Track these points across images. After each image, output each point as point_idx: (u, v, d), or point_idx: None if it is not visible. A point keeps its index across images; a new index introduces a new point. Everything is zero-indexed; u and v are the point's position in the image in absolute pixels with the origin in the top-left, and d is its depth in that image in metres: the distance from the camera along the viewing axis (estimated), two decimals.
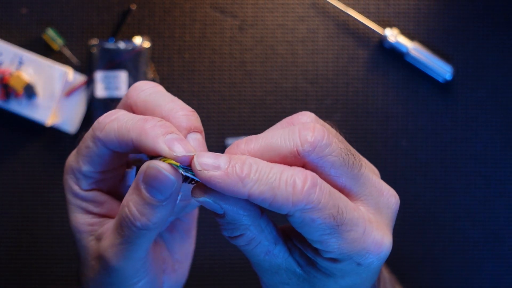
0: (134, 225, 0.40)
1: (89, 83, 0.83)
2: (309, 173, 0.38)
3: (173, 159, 0.38)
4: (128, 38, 0.85)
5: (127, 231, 0.40)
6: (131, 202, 0.39)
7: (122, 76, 0.83)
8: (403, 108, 0.86)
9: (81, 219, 0.44)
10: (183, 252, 0.48)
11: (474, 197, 0.86)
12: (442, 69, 0.84)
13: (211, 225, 0.85)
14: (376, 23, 0.85)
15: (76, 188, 0.44)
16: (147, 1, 0.85)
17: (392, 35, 0.84)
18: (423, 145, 0.86)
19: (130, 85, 0.83)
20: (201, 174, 0.37)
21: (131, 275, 0.43)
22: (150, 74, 0.84)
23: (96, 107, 0.83)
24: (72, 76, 0.83)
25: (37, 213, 0.85)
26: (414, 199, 0.86)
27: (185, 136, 0.40)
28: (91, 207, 0.44)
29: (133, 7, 0.85)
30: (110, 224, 0.43)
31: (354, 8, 0.85)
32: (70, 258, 0.85)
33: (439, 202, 0.86)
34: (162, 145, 0.38)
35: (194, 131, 0.41)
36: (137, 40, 0.84)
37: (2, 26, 0.85)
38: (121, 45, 0.83)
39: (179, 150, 0.38)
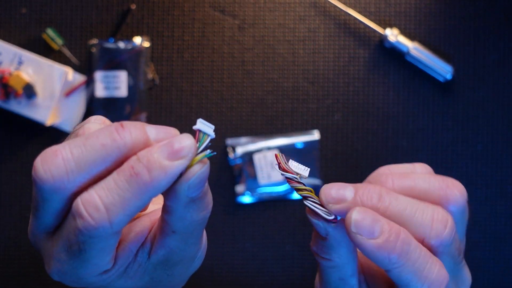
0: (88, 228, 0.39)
1: (89, 83, 0.83)
2: (445, 275, 0.41)
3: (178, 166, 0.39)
4: (128, 38, 0.84)
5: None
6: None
7: (122, 76, 0.83)
8: (403, 108, 0.86)
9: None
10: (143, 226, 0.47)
11: (475, 197, 0.86)
12: (442, 69, 0.84)
13: (211, 225, 0.85)
14: (376, 22, 0.85)
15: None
16: (147, 1, 0.85)
17: (393, 34, 0.84)
18: (423, 145, 0.86)
19: (129, 85, 0.83)
20: (355, 238, 0.39)
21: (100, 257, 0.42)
22: (150, 74, 0.84)
23: (96, 107, 0.82)
24: (71, 76, 0.82)
25: None
26: None
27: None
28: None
29: (133, 7, 0.85)
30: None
31: (354, 8, 0.85)
32: None
33: None
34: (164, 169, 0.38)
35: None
36: (137, 40, 0.83)
37: (1, 25, 0.84)
38: (121, 45, 0.83)
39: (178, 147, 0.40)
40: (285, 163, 0.42)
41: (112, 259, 0.41)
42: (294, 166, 0.41)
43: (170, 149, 0.39)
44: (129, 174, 0.37)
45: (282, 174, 0.42)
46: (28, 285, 0.84)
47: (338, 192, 0.41)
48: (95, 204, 0.36)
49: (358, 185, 0.43)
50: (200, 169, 0.38)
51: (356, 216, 0.39)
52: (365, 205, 0.40)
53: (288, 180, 0.42)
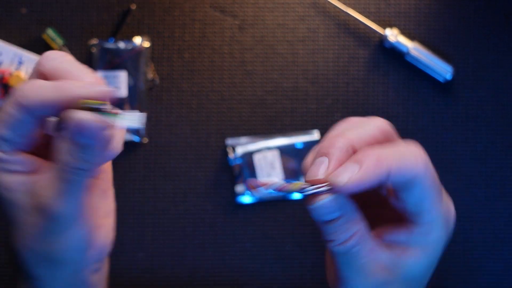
0: (72, 167, 0.43)
1: None
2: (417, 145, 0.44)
3: (93, 97, 0.43)
4: (128, 38, 0.84)
5: (66, 175, 0.43)
6: (66, 149, 0.43)
7: (122, 76, 0.83)
8: (403, 108, 0.86)
9: (10, 180, 0.45)
10: (105, 208, 0.50)
11: (475, 197, 0.86)
12: (442, 69, 0.84)
13: (211, 225, 0.85)
14: (376, 23, 0.85)
15: None
16: (147, 1, 0.85)
17: (393, 35, 0.84)
18: (423, 145, 0.86)
19: (130, 85, 0.83)
20: (350, 186, 0.40)
21: (69, 218, 0.45)
22: (150, 74, 0.84)
23: None
24: None
25: None
26: None
27: None
28: (18, 168, 0.45)
29: (133, 7, 0.85)
30: (44, 177, 0.45)
31: (354, 8, 0.85)
32: None
33: None
34: (85, 89, 0.43)
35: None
36: (137, 40, 0.83)
37: (1, 26, 0.84)
38: (121, 45, 0.83)
39: (99, 88, 0.43)
40: (261, 184, 0.43)
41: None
42: (265, 179, 0.41)
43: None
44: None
45: (269, 192, 0.43)
46: None
47: (316, 166, 0.43)
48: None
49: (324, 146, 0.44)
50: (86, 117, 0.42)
51: (336, 177, 0.41)
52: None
53: (278, 190, 0.43)
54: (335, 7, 0.85)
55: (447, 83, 0.86)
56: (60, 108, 0.43)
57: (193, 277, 0.86)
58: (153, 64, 0.85)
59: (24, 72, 0.80)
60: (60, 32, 0.84)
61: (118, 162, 0.85)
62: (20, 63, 0.80)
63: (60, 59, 0.46)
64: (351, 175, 0.40)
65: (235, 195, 0.85)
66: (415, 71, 0.86)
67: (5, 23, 0.84)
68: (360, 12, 0.85)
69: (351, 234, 0.43)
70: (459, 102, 0.86)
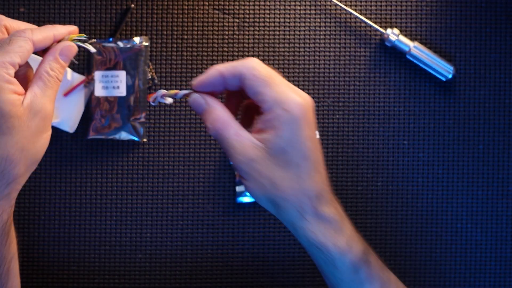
0: (55, 78, 0.64)
1: (88, 82, 0.83)
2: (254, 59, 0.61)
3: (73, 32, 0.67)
4: (127, 37, 0.84)
5: (49, 83, 0.64)
6: (52, 65, 0.65)
7: (121, 75, 0.82)
8: (404, 107, 0.85)
9: (15, 97, 0.61)
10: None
11: (476, 197, 0.85)
12: (443, 68, 0.83)
13: (211, 225, 0.85)
14: (377, 22, 0.85)
15: (8, 76, 0.61)
16: (146, 0, 0.85)
17: (394, 34, 0.83)
18: (424, 144, 0.86)
19: (129, 84, 0.83)
20: (195, 83, 0.62)
21: (51, 114, 0.64)
22: (149, 73, 0.84)
23: (95, 106, 0.82)
24: (70, 75, 0.82)
25: (35, 214, 0.84)
26: (415, 199, 0.85)
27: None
28: (18, 89, 0.62)
29: (133, 6, 0.84)
30: (31, 93, 0.63)
31: (355, 7, 0.85)
32: (69, 259, 0.85)
33: (441, 202, 0.85)
34: (63, 29, 0.67)
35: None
36: (136, 39, 0.83)
37: None
38: (120, 44, 0.83)
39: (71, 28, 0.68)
40: (150, 96, 0.64)
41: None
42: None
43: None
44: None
45: (158, 101, 0.64)
46: (27, 285, 0.84)
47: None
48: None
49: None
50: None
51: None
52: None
53: (161, 97, 0.64)
54: (336, 6, 0.85)
55: (448, 83, 0.85)
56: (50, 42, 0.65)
57: (193, 277, 0.86)
58: (152, 63, 0.85)
59: None
60: None
61: (117, 162, 0.85)
62: None
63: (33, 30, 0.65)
64: (200, 79, 0.61)
65: (235, 195, 0.85)
66: (416, 71, 0.85)
67: None
68: (361, 11, 0.85)
69: (215, 119, 0.60)
70: (460, 102, 0.86)
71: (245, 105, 0.65)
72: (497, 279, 0.85)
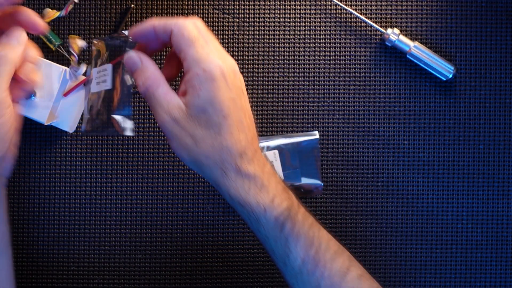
0: None
1: (88, 82, 0.82)
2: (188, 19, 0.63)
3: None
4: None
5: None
6: None
7: (108, 68, 0.81)
8: (404, 107, 0.85)
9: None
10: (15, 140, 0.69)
11: (476, 197, 0.85)
12: (444, 68, 0.83)
13: (211, 225, 0.85)
14: (377, 21, 0.85)
15: None
16: (146, 0, 0.85)
17: (394, 34, 0.83)
18: (424, 144, 0.85)
19: (129, 84, 0.82)
20: (130, 33, 0.65)
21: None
22: None
23: (91, 103, 0.81)
24: (69, 75, 0.82)
25: (34, 214, 0.84)
26: (415, 199, 0.85)
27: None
28: None
29: (133, 6, 0.84)
30: None
31: (355, 7, 0.85)
32: (69, 259, 0.85)
33: (441, 202, 0.85)
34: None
35: None
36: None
37: None
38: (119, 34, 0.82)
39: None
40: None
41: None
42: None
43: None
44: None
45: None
46: (26, 285, 0.84)
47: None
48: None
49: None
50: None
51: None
52: None
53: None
54: (336, 6, 0.84)
55: (449, 82, 0.85)
56: None
57: (193, 277, 0.86)
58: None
59: None
60: (57, 31, 0.84)
61: (118, 162, 0.85)
62: None
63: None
64: (135, 28, 0.64)
65: None
66: (416, 70, 0.85)
67: None
68: (361, 11, 0.85)
69: (147, 77, 0.63)
70: (460, 102, 0.85)
71: (170, 57, 0.68)
72: (497, 279, 0.85)
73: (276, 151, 0.84)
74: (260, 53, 0.85)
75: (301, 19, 0.85)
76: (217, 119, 0.61)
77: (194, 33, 0.62)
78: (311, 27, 0.85)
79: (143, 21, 0.63)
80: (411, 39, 0.84)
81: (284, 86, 0.85)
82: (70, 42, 0.82)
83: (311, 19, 0.85)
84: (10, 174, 0.67)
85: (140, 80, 0.63)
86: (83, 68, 0.83)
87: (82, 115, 0.83)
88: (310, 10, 0.85)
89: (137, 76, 0.64)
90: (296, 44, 0.85)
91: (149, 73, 0.63)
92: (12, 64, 0.65)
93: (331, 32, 0.85)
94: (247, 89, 0.85)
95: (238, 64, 0.85)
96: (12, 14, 0.68)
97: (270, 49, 0.85)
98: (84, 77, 0.83)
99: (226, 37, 0.85)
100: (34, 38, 0.84)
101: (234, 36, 0.85)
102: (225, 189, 0.63)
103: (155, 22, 0.63)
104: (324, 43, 0.85)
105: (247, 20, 0.85)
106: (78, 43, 0.76)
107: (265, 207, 0.63)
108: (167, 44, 0.65)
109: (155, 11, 0.85)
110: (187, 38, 0.61)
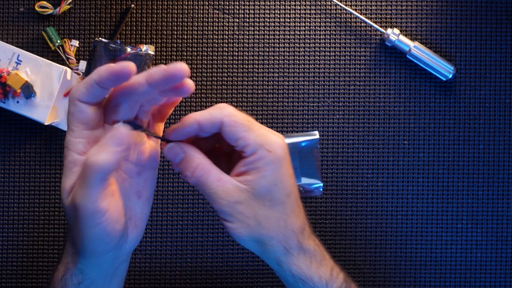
0: (92, 162, 0.54)
1: None
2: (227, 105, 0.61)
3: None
4: (126, 37, 0.84)
5: (86, 172, 0.55)
6: (92, 150, 0.55)
7: None
8: (404, 107, 0.85)
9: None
10: (143, 214, 0.62)
11: (476, 197, 0.85)
12: (444, 68, 0.83)
13: (211, 225, 0.85)
14: (377, 21, 0.85)
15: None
16: (146, 0, 0.85)
17: (394, 34, 0.83)
18: (425, 144, 0.85)
19: None
20: (169, 132, 0.61)
21: (95, 219, 0.56)
22: None
23: None
24: (70, 75, 0.82)
25: (34, 214, 0.84)
26: (415, 199, 0.85)
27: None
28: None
29: (133, 6, 0.84)
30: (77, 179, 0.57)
31: (355, 7, 0.85)
32: None
33: (441, 202, 0.85)
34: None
35: None
36: (143, 47, 0.83)
37: None
38: (125, 47, 0.82)
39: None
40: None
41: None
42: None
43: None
44: None
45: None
46: (26, 285, 0.84)
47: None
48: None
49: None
50: None
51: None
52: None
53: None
54: (336, 6, 0.84)
55: (449, 83, 0.85)
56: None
57: (193, 277, 0.86)
58: (152, 63, 0.84)
59: (22, 72, 0.80)
60: (58, 31, 0.84)
61: None
62: (18, 62, 0.80)
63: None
64: (175, 128, 0.60)
65: None
66: (416, 71, 0.85)
67: (3, 22, 0.84)
68: (361, 11, 0.85)
69: (195, 168, 0.59)
70: (460, 102, 0.85)
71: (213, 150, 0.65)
72: (497, 279, 0.85)
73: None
74: (260, 53, 0.85)
75: (301, 19, 0.85)
76: (282, 198, 0.61)
77: (243, 117, 0.60)
78: (311, 27, 0.85)
79: (181, 120, 0.60)
80: (411, 39, 0.84)
81: (284, 86, 0.85)
82: (63, 47, 0.82)
83: (311, 19, 0.85)
84: (136, 244, 0.62)
85: (188, 171, 0.60)
86: (83, 64, 0.83)
87: None
88: (310, 10, 0.85)
89: (184, 167, 0.60)
90: (296, 44, 0.85)
91: (196, 162, 0.60)
92: (105, 173, 0.55)
93: (331, 32, 0.85)
94: (247, 90, 0.85)
95: (238, 64, 0.85)
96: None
97: (270, 49, 0.85)
98: (82, 78, 0.83)
99: (226, 37, 0.85)
100: (35, 37, 0.84)
101: (234, 36, 0.85)
102: (287, 267, 0.63)
103: (199, 118, 0.60)
104: (324, 43, 0.85)
105: (247, 20, 0.85)
106: (70, 44, 0.74)
107: (326, 280, 0.64)
108: (202, 135, 0.61)
109: (155, 11, 0.85)
110: (242, 124, 0.60)
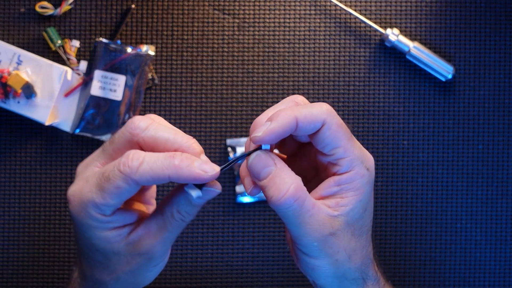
0: (179, 221, 0.50)
1: (88, 81, 0.83)
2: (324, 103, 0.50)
3: (208, 179, 0.48)
4: (127, 37, 0.84)
5: (176, 226, 0.50)
6: (181, 208, 0.50)
7: (120, 79, 0.82)
8: (404, 107, 0.86)
9: (110, 234, 0.50)
10: (161, 252, 0.56)
11: (476, 197, 0.86)
12: (443, 69, 0.83)
13: (211, 225, 0.85)
14: (377, 22, 0.85)
15: (100, 217, 0.49)
16: (147, 0, 0.85)
17: (393, 34, 0.83)
18: (424, 144, 0.86)
19: (129, 84, 0.83)
20: (264, 135, 0.48)
21: (160, 260, 0.53)
22: (149, 74, 0.84)
23: (88, 105, 0.82)
24: (70, 75, 0.82)
25: (35, 214, 0.84)
26: (415, 199, 0.85)
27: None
28: (116, 224, 0.51)
29: (133, 6, 0.84)
30: (145, 227, 0.51)
31: (355, 7, 0.85)
32: (69, 259, 0.85)
33: (440, 202, 0.86)
34: (198, 171, 0.48)
35: (202, 153, 0.51)
36: (143, 47, 0.83)
37: (0, 25, 0.84)
38: (126, 48, 0.82)
39: (210, 170, 0.48)
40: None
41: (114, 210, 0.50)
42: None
43: (202, 166, 0.49)
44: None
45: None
46: (26, 285, 0.84)
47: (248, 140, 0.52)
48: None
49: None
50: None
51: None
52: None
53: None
54: (336, 6, 0.85)
55: (448, 83, 0.85)
56: (175, 181, 0.48)
57: (193, 277, 0.86)
58: (152, 63, 0.85)
59: (23, 72, 0.80)
60: (59, 31, 0.84)
61: None
62: (19, 62, 0.80)
63: (152, 127, 0.49)
64: (265, 128, 0.47)
65: (235, 195, 0.85)
66: (416, 71, 0.85)
67: (4, 22, 0.84)
68: (361, 11, 0.85)
69: (288, 188, 0.47)
70: (460, 102, 0.86)
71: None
72: (496, 279, 0.86)
73: (276, 151, 0.84)
74: (260, 53, 0.85)
75: (301, 20, 0.85)
76: (368, 224, 0.52)
77: (343, 123, 0.50)
78: (311, 27, 0.86)
79: (276, 117, 0.48)
80: (410, 39, 0.85)
81: (284, 86, 0.85)
82: (64, 48, 0.82)
83: (311, 19, 0.86)
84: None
85: (278, 191, 0.48)
86: (84, 65, 0.83)
87: (82, 114, 0.83)
88: (310, 10, 0.86)
89: (270, 186, 0.48)
90: (296, 45, 0.85)
91: (289, 180, 0.48)
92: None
93: (331, 32, 0.86)
94: (247, 90, 0.85)
95: (238, 64, 0.85)
96: None
97: (270, 49, 0.85)
98: (82, 78, 0.83)
99: (226, 37, 0.85)
100: (35, 38, 0.84)
101: (234, 36, 0.85)
102: None
103: (297, 115, 0.48)
104: (324, 43, 0.86)
105: (247, 20, 0.85)
106: (71, 44, 0.74)
107: None
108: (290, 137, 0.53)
109: (155, 12, 0.85)
110: (347, 131, 0.49)
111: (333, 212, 0.49)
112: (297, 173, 0.51)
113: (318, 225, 0.49)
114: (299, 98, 0.51)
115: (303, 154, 0.53)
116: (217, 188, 0.50)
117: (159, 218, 0.51)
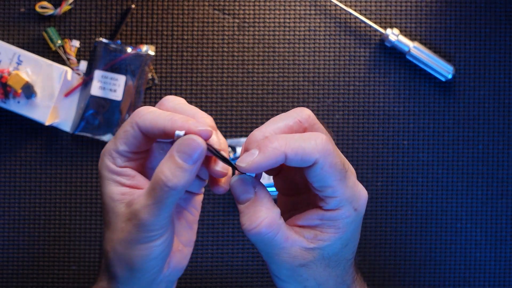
0: (166, 186, 0.47)
1: (88, 81, 0.83)
2: (322, 134, 0.48)
3: (197, 132, 0.48)
4: (127, 37, 0.84)
5: (160, 192, 0.48)
6: (166, 167, 0.48)
7: (120, 79, 0.82)
8: (404, 107, 0.85)
9: (115, 190, 0.52)
10: (187, 238, 0.56)
11: (476, 197, 0.86)
12: (443, 68, 0.83)
13: (211, 225, 0.85)
14: (377, 22, 0.85)
15: (112, 165, 0.52)
16: (147, 0, 0.85)
17: (393, 34, 0.83)
18: (424, 144, 0.86)
19: (126, 87, 0.83)
20: (248, 168, 0.47)
21: (156, 230, 0.50)
22: (149, 73, 0.84)
23: (88, 105, 0.82)
24: (71, 75, 0.82)
25: (35, 214, 0.84)
26: (415, 199, 0.85)
27: None
28: (123, 180, 0.52)
29: (133, 6, 0.84)
30: (140, 191, 0.51)
31: (355, 7, 0.85)
32: (69, 259, 0.85)
33: (440, 202, 0.86)
34: (190, 125, 0.48)
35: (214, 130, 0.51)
36: (143, 47, 0.83)
37: (0, 25, 0.84)
38: (126, 48, 0.82)
39: (203, 124, 0.48)
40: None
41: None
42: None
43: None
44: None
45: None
46: (26, 285, 0.84)
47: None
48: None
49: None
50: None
51: (240, 162, 0.49)
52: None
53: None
54: (336, 6, 0.85)
55: (448, 83, 0.85)
56: (169, 134, 0.49)
57: (193, 277, 0.86)
58: (153, 63, 0.85)
59: (23, 72, 0.80)
60: (59, 31, 0.84)
61: None
62: (19, 62, 0.80)
63: (177, 101, 0.52)
64: (251, 158, 0.47)
65: None
66: (416, 71, 0.85)
67: (4, 22, 0.84)
68: (361, 11, 0.85)
69: (262, 220, 0.48)
70: (460, 102, 0.86)
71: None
72: (496, 279, 0.85)
73: None
74: (260, 53, 0.85)
75: (301, 20, 0.85)
76: (348, 256, 0.52)
77: (338, 159, 0.48)
78: (311, 27, 0.85)
79: (263, 149, 0.47)
80: (410, 39, 0.85)
81: (284, 86, 0.85)
82: (64, 48, 0.82)
83: (311, 19, 0.86)
84: (180, 272, 0.58)
85: (251, 220, 0.48)
86: (84, 65, 0.83)
87: (82, 114, 0.83)
88: (310, 10, 0.86)
89: (246, 212, 0.49)
90: (296, 44, 0.85)
91: (264, 213, 0.48)
92: (180, 194, 0.49)
93: (331, 32, 0.86)
94: (247, 90, 0.85)
95: (238, 64, 0.85)
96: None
97: (270, 49, 0.85)
98: (82, 78, 0.83)
99: (226, 37, 0.85)
100: (35, 38, 0.84)
101: (234, 36, 0.85)
102: None
103: (286, 150, 0.47)
104: (324, 43, 0.86)
105: (247, 20, 0.85)
106: (71, 44, 0.74)
107: None
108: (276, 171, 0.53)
109: (155, 12, 0.85)
110: (340, 171, 0.48)
111: (308, 244, 0.50)
112: (290, 184, 0.53)
113: (288, 257, 0.49)
114: (305, 115, 0.51)
115: (299, 168, 0.51)
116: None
117: (149, 184, 0.50)
